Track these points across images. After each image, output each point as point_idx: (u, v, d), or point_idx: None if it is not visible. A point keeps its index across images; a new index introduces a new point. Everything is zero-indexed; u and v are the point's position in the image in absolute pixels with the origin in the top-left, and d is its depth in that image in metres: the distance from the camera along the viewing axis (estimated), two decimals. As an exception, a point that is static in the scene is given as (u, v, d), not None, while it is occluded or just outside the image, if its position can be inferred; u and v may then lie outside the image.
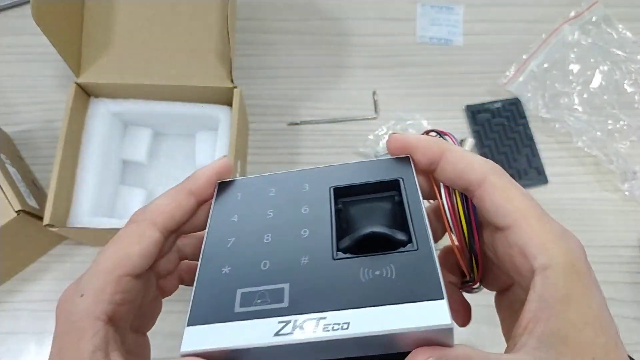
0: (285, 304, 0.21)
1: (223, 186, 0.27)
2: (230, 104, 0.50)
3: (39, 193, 0.52)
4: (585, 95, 0.60)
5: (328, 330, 0.20)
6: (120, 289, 0.22)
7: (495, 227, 0.24)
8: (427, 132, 0.27)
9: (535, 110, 0.59)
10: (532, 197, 0.24)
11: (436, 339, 0.21)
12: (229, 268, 0.23)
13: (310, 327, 0.20)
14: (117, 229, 0.46)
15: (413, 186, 0.25)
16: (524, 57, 0.61)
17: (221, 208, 0.26)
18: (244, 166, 0.54)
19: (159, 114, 0.52)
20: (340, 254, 0.23)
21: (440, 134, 0.26)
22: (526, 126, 0.59)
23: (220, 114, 0.51)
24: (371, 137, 0.58)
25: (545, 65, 0.61)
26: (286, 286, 0.22)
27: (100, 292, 0.22)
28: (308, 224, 0.24)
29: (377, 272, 0.22)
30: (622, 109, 0.59)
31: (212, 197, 0.26)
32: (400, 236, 0.23)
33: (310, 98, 0.60)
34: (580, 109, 0.59)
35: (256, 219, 0.25)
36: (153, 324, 0.28)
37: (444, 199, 0.25)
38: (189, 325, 0.21)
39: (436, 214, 0.27)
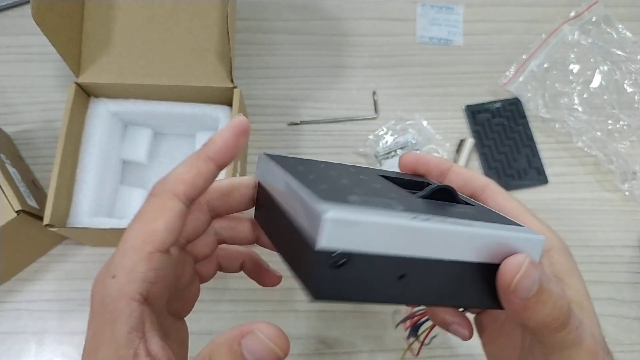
0: (417, 211, 0.21)
1: (266, 161, 0.26)
2: (230, 104, 0.50)
3: (39, 193, 0.52)
4: (585, 95, 0.60)
5: (458, 225, 0.21)
6: (152, 266, 0.21)
7: None
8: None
9: (535, 110, 0.59)
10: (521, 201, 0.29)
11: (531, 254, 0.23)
12: (326, 186, 0.22)
13: (438, 220, 0.21)
14: (117, 229, 0.47)
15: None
16: (524, 57, 0.61)
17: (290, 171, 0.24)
18: (244, 166, 0.54)
19: (159, 114, 0.52)
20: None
21: None
22: (526, 126, 0.59)
23: (220, 114, 0.52)
24: (371, 137, 0.58)
25: (545, 65, 0.61)
26: (400, 206, 0.22)
27: (132, 271, 0.21)
28: (390, 188, 0.26)
29: (469, 211, 0.25)
30: (622, 109, 0.59)
31: (230, 160, 0.25)
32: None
33: (310, 98, 0.60)
34: (580, 109, 0.59)
35: (336, 177, 0.24)
36: (191, 309, 0.28)
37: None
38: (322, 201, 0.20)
39: None
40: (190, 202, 0.23)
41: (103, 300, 0.21)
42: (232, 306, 0.51)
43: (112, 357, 0.20)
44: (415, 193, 0.26)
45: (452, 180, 0.30)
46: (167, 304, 0.24)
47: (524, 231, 0.24)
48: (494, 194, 0.29)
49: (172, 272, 0.23)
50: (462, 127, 0.60)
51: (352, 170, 0.28)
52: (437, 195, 0.26)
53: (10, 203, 0.45)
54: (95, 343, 0.21)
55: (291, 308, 0.52)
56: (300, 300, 0.52)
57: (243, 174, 0.54)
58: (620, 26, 0.62)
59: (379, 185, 0.25)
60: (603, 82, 0.60)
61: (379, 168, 0.28)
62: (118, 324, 0.20)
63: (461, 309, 0.30)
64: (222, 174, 0.49)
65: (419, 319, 0.39)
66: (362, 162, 0.58)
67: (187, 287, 0.26)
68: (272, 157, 0.26)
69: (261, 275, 0.30)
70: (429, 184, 0.27)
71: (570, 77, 0.60)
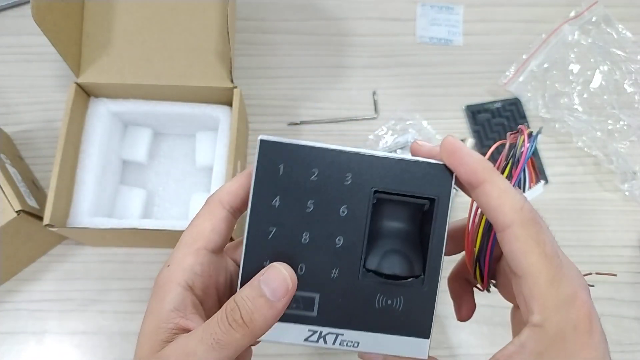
0: (314, 313, 0.26)
1: (265, 148, 0.26)
2: (230, 104, 0.50)
3: (39, 193, 0.52)
4: (585, 95, 0.60)
5: (342, 346, 0.26)
6: (198, 261, 0.26)
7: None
8: (516, 132, 0.28)
9: (535, 110, 0.59)
10: (554, 254, 0.24)
11: None
12: (269, 263, 0.26)
13: (330, 340, 0.26)
14: (117, 229, 0.47)
15: (444, 213, 0.26)
16: (524, 57, 0.61)
17: (263, 181, 0.26)
18: (244, 166, 0.54)
19: (159, 114, 0.52)
20: (366, 275, 0.26)
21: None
22: (526, 126, 0.59)
23: (220, 114, 0.52)
24: (371, 137, 0.58)
25: (545, 65, 0.61)
26: (317, 296, 0.26)
27: (181, 261, 0.26)
28: (344, 231, 0.26)
29: (389, 302, 0.26)
30: (622, 109, 0.59)
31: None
32: (417, 270, 0.27)
33: (310, 98, 0.60)
34: (580, 109, 0.59)
35: (296, 210, 0.26)
36: None
37: (472, 215, 0.28)
38: None
39: (456, 230, 0.30)
40: (235, 210, 0.28)
41: (158, 284, 0.26)
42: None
43: (154, 327, 0.24)
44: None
45: (477, 200, 0.26)
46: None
47: (413, 349, 0.27)
48: (513, 241, 0.24)
49: (216, 270, 0.27)
50: (462, 127, 0.60)
51: (344, 187, 0.26)
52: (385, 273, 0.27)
53: (10, 203, 0.45)
54: (146, 316, 0.25)
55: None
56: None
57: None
58: (620, 26, 0.62)
59: (339, 244, 0.27)
60: (603, 82, 0.60)
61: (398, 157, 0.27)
62: (164, 302, 0.25)
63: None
64: (223, 174, 0.49)
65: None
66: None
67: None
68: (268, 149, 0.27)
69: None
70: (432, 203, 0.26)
71: (570, 77, 0.60)
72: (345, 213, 0.26)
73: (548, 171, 0.58)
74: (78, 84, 0.49)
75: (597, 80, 0.60)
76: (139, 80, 0.50)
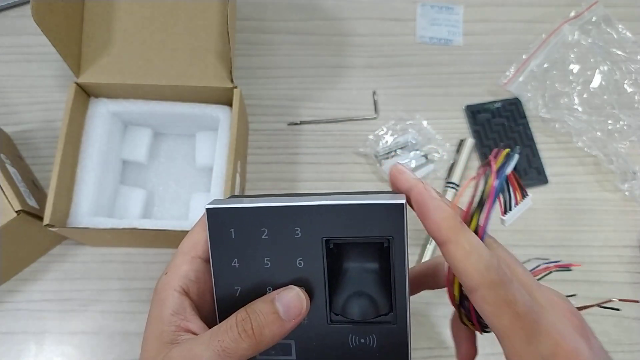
0: (293, 357, 0.27)
1: (214, 215, 0.27)
2: (230, 104, 0.50)
3: (39, 193, 0.52)
4: (585, 95, 0.60)
5: None
6: (193, 268, 0.27)
7: None
8: (486, 163, 0.25)
9: (535, 110, 0.59)
10: (528, 310, 0.23)
11: None
12: None
13: None
14: (117, 229, 0.47)
15: (401, 250, 0.26)
16: (524, 57, 0.61)
17: (219, 247, 0.27)
18: (244, 166, 0.54)
19: (159, 114, 0.52)
20: (335, 318, 0.27)
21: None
22: (526, 126, 0.59)
23: (220, 114, 0.52)
24: (371, 137, 0.58)
25: (545, 65, 0.61)
26: (292, 342, 0.27)
27: (177, 269, 0.27)
28: (304, 281, 0.27)
29: (362, 340, 0.27)
30: (622, 109, 0.59)
31: None
32: (384, 308, 0.27)
33: (310, 98, 0.60)
34: (580, 109, 0.59)
35: (255, 268, 0.27)
36: None
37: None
38: None
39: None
40: None
41: (157, 290, 0.27)
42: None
43: (157, 331, 0.26)
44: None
45: (445, 258, 0.24)
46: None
47: None
48: (482, 304, 0.23)
49: (210, 277, 0.28)
50: (462, 127, 0.60)
51: (296, 240, 0.26)
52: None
53: (10, 203, 0.45)
54: (148, 322, 0.27)
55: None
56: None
57: (243, 174, 0.54)
58: (620, 26, 0.62)
59: None
60: (603, 82, 0.60)
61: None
62: (164, 307, 0.26)
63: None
64: (223, 174, 0.49)
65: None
66: (362, 162, 0.58)
67: None
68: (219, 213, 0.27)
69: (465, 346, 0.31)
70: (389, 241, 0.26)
71: (570, 77, 0.60)
72: (302, 265, 0.26)
73: (548, 171, 0.58)
74: (78, 84, 0.49)
75: (597, 80, 0.60)
76: (139, 80, 0.50)
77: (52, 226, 0.45)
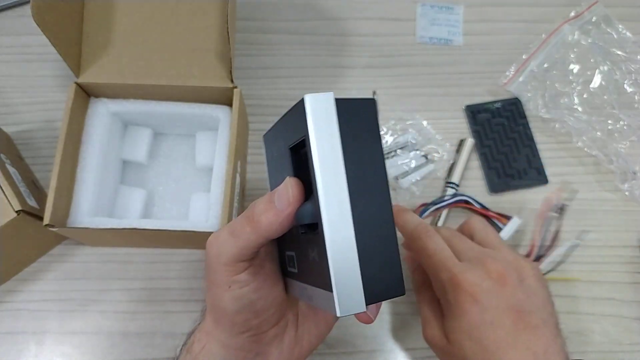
0: (295, 269, 0.30)
1: (267, 139, 0.33)
2: (230, 104, 0.50)
3: (39, 193, 0.52)
4: (585, 95, 0.60)
5: (312, 301, 0.28)
6: None
7: None
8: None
9: (535, 110, 0.59)
10: (438, 262, 0.41)
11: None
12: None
13: (308, 294, 0.28)
14: (117, 229, 0.47)
15: (313, 145, 0.24)
16: (524, 57, 0.61)
17: (271, 166, 0.32)
18: (244, 166, 0.54)
19: (159, 114, 0.52)
20: (303, 227, 0.27)
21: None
22: (526, 126, 0.59)
23: (220, 114, 0.52)
24: (371, 137, 0.58)
25: (545, 65, 0.61)
26: (293, 254, 0.30)
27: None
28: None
29: (313, 254, 0.26)
30: (622, 109, 0.59)
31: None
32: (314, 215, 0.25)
33: (310, 98, 0.60)
34: (580, 109, 0.59)
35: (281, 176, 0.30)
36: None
37: None
38: (283, 276, 0.33)
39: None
40: None
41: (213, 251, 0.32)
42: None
43: (213, 282, 0.31)
44: None
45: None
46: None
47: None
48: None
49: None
50: (462, 127, 0.60)
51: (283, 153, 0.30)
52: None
53: (10, 203, 0.45)
54: (206, 275, 0.32)
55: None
56: (300, 300, 0.52)
57: (243, 174, 0.54)
58: (620, 26, 0.62)
59: None
60: (603, 82, 0.60)
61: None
62: (221, 259, 0.30)
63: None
64: (223, 174, 0.49)
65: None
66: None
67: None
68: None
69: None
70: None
71: (570, 77, 0.60)
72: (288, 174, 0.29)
73: (548, 171, 0.58)
74: (78, 84, 0.49)
75: (597, 80, 0.60)
76: (139, 80, 0.50)
77: (52, 226, 0.45)
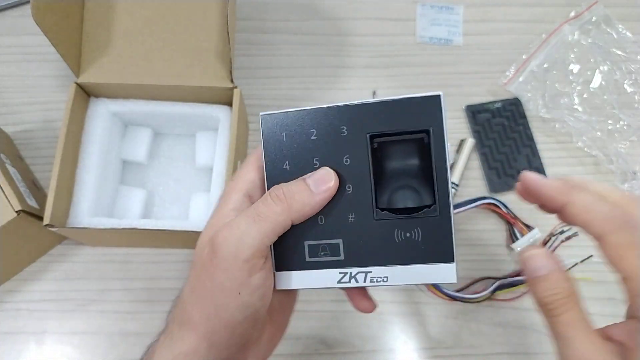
0: (341, 257, 0.29)
1: (266, 121, 0.30)
2: (230, 104, 0.50)
3: (39, 193, 0.52)
4: (585, 95, 0.60)
5: (373, 282, 0.29)
6: (259, 176, 0.30)
7: None
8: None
9: (535, 110, 0.59)
10: None
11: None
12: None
13: (361, 278, 0.29)
14: (117, 229, 0.47)
15: (441, 141, 0.27)
16: (524, 57, 0.61)
17: (271, 150, 0.30)
18: (244, 166, 0.54)
19: (159, 114, 0.52)
20: (380, 214, 0.28)
21: None
22: (526, 126, 0.59)
23: (220, 114, 0.52)
24: (371, 137, 0.58)
25: (545, 65, 0.61)
26: (340, 242, 0.29)
27: (245, 175, 0.31)
28: (351, 179, 0.29)
29: (408, 235, 0.28)
30: (622, 109, 0.59)
31: None
32: (427, 200, 0.28)
33: (310, 98, 0.60)
34: (580, 109, 0.59)
35: (304, 169, 0.29)
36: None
37: None
38: (276, 270, 0.30)
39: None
40: None
41: (223, 193, 0.31)
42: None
43: (216, 221, 0.29)
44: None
45: (568, 220, 0.27)
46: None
47: (442, 275, 0.28)
48: (608, 249, 0.26)
49: None
50: (462, 127, 0.60)
51: (342, 138, 0.29)
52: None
53: (10, 203, 0.45)
54: (211, 215, 0.30)
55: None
56: (300, 301, 0.52)
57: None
58: (620, 26, 0.62)
59: (350, 191, 0.29)
60: (603, 82, 0.60)
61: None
62: (227, 204, 0.30)
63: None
64: (223, 174, 0.49)
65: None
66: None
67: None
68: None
69: (359, 298, 0.32)
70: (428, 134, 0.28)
71: (570, 77, 0.60)
72: (349, 162, 0.28)
73: (548, 171, 0.58)
74: (78, 84, 0.49)
75: (597, 80, 0.60)
76: (139, 80, 0.50)
77: (52, 226, 0.45)
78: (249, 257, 0.27)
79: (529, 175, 0.28)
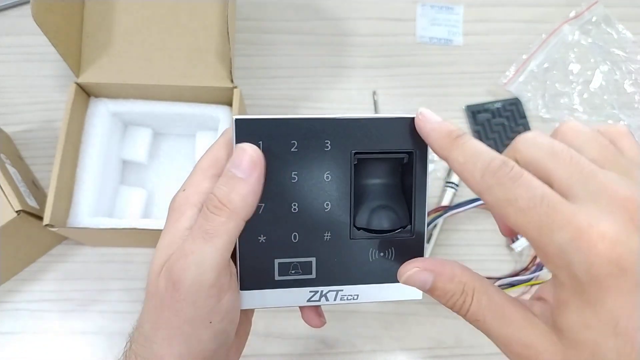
0: (313, 275, 0.28)
1: (241, 126, 0.26)
2: (230, 104, 0.50)
3: (39, 193, 0.52)
4: (585, 95, 0.60)
5: (344, 300, 0.29)
6: (212, 185, 0.26)
7: None
8: None
9: (535, 110, 0.59)
10: (531, 207, 0.22)
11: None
12: (265, 237, 0.27)
13: (331, 296, 0.28)
14: (117, 229, 0.47)
15: (423, 164, 0.28)
16: (524, 57, 0.61)
17: None
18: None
19: (159, 114, 0.52)
20: (356, 233, 0.28)
21: None
22: (526, 126, 0.59)
23: (220, 114, 0.52)
24: (371, 137, 0.58)
25: (545, 65, 0.61)
26: (313, 260, 0.28)
27: (197, 186, 0.27)
28: (330, 196, 0.27)
29: (382, 254, 0.28)
30: (622, 109, 0.59)
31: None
32: (404, 221, 0.28)
33: (310, 98, 0.60)
34: (580, 109, 0.59)
35: (282, 182, 0.27)
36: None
37: None
38: (242, 289, 0.28)
39: None
40: None
41: (173, 207, 0.27)
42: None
43: (167, 243, 0.26)
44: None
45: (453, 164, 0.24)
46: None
47: (407, 293, 0.28)
48: (491, 208, 0.23)
49: None
50: (462, 127, 0.59)
51: (325, 153, 0.27)
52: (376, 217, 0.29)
53: (10, 203, 0.45)
54: (161, 235, 0.27)
55: (292, 308, 0.52)
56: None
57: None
58: (620, 26, 0.62)
59: (328, 208, 0.28)
60: (603, 82, 0.60)
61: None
62: (179, 222, 0.26)
63: None
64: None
65: None
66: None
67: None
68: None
69: (312, 315, 0.31)
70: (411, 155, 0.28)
71: (570, 77, 0.60)
72: (330, 178, 0.27)
73: (548, 171, 0.58)
74: (78, 84, 0.49)
75: (597, 80, 0.60)
76: (139, 80, 0.50)
77: (52, 226, 0.45)
78: (214, 281, 0.25)
79: (421, 118, 0.26)
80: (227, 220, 0.24)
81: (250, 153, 0.25)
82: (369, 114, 0.28)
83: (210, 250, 0.24)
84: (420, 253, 0.28)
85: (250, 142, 0.26)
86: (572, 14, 0.63)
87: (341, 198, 0.27)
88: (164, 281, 0.25)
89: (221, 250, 0.24)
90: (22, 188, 0.48)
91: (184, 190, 0.27)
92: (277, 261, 0.28)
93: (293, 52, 0.62)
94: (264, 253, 0.28)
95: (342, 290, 0.28)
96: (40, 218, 0.45)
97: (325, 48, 0.62)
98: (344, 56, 0.62)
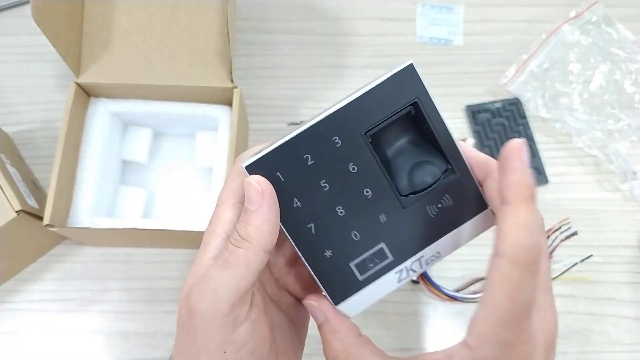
0: (390, 258, 0.28)
1: (253, 168, 0.27)
2: (230, 104, 0.50)
3: (39, 193, 0.52)
4: (585, 95, 0.60)
5: (429, 263, 0.29)
6: (235, 213, 0.27)
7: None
8: None
9: (535, 110, 0.59)
10: (518, 313, 0.23)
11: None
12: (330, 251, 0.28)
13: (417, 266, 0.29)
14: (117, 229, 0.47)
15: (431, 106, 0.28)
16: (524, 57, 0.61)
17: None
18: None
19: (159, 114, 0.52)
20: (406, 201, 0.28)
21: None
22: (526, 126, 0.59)
23: (220, 114, 0.52)
24: (371, 137, 0.58)
25: (545, 65, 0.61)
26: (383, 245, 0.28)
27: (220, 216, 0.28)
28: (365, 183, 0.28)
29: (440, 205, 0.28)
30: (622, 109, 0.59)
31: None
32: (441, 165, 0.28)
33: (310, 98, 0.60)
34: (580, 109, 0.59)
35: (317, 197, 0.27)
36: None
37: None
38: (336, 304, 0.29)
39: None
40: None
41: (203, 240, 0.28)
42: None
43: (194, 271, 0.27)
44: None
45: (497, 217, 0.25)
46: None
47: (482, 225, 0.29)
48: (494, 269, 0.23)
49: None
50: (462, 127, 0.60)
51: (339, 150, 0.27)
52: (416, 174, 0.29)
53: (10, 203, 0.45)
54: (191, 266, 0.27)
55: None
56: (300, 300, 0.52)
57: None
58: (620, 26, 0.62)
59: (369, 195, 0.28)
60: (603, 82, 0.60)
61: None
62: (205, 252, 0.27)
63: None
64: (223, 174, 0.49)
65: None
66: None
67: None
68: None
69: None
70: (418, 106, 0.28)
71: (570, 77, 0.60)
72: (356, 169, 0.27)
73: (548, 171, 0.58)
74: (78, 84, 0.49)
75: (597, 80, 0.60)
76: (139, 80, 0.50)
77: (52, 226, 0.45)
78: (229, 310, 0.25)
79: (510, 152, 0.25)
80: (246, 251, 0.25)
81: (255, 185, 0.25)
82: (356, 91, 0.28)
83: (227, 278, 0.25)
84: (473, 185, 0.28)
85: (269, 178, 0.26)
86: (572, 14, 0.63)
87: (376, 179, 0.27)
88: (184, 307, 0.26)
89: (238, 279, 0.25)
90: (22, 188, 0.48)
91: (210, 224, 0.28)
92: (352, 264, 0.28)
93: (293, 52, 0.62)
94: (338, 264, 0.28)
95: (422, 256, 0.28)
96: (40, 218, 0.45)
97: (325, 48, 0.62)
98: (344, 56, 0.62)
